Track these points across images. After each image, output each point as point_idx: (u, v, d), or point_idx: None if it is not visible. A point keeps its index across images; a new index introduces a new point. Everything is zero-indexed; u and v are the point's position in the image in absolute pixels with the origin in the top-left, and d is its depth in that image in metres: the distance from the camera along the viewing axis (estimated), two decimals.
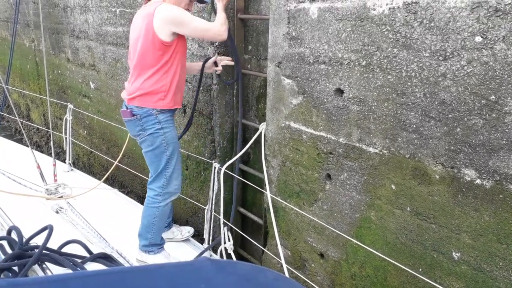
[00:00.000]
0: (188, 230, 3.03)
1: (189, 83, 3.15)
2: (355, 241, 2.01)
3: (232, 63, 2.67)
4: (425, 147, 1.67)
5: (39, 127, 6.23)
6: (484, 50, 1.43)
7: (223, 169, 2.54)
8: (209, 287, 0.78)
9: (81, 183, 3.71)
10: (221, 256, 2.66)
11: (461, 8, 1.46)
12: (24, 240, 2.20)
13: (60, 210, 3.15)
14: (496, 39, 1.39)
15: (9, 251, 2.15)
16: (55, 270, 2.16)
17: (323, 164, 2.13)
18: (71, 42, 5.09)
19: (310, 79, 2.09)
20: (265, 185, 2.46)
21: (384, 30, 1.70)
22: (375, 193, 1.90)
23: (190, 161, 3.35)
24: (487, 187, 1.50)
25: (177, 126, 2.78)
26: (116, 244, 2.70)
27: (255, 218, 2.86)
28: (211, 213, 2.67)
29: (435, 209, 1.68)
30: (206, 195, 2.97)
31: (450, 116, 1.56)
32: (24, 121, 6.43)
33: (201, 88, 2.95)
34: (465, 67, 1.49)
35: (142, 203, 3.20)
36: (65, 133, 4.07)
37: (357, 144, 1.93)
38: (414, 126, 1.68)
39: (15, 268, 2.03)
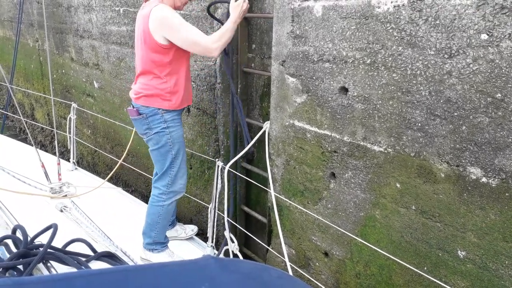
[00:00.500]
0: (192, 229, 3.03)
1: (193, 82, 3.15)
2: (360, 239, 2.01)
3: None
4: (430, 145, 1.66)
5: (44, 126, 6.25)
6: (490, 48, 1.42)
7: (227, 167, 2.54)
8: (213, 285, 0.78)
9: (86, 182, 3.73)
10: (227, 256, 2.66)
11: (466, 5, 1.45)
12: (29, 239, 2.21)
13: (64, 209, 3.16)
14: (502, 36, 1.38)
15: (14, 250, 2.16)
16: (59, 268, 2.17)
17: (327, 163, 2.13)
18: (75, 42, 5.10)
19: (314, 78, 2.08)
20: (269, 183, 2.46)
21: (389, 28, 1.69)
22: (380, 191, 1.90)
23: (194, 160, 3.35)
24: (493, 185, 1.49)
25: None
26: (120, 242, 2.70)
27: (259, 217, 2.86)
28: (214, 211, 2.67)
29: (440, 208, 1.67)
30: (210, 194, 2.97)
31: (455, 114, 1.56)
32: (28, 121, 6.46)
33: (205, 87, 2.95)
34: (471, 65, 1.48)
35: (146, 202, 3.20)
36: (69, 132, 4.09)
37: (362, 143, 1.93)
38: (419, 124, 1.68)
39: (20, 267, 2.03)
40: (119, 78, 4.21)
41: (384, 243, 1.93)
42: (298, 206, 2.33)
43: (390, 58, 1.72)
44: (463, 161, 1.57)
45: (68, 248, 2.35)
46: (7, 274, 1.98)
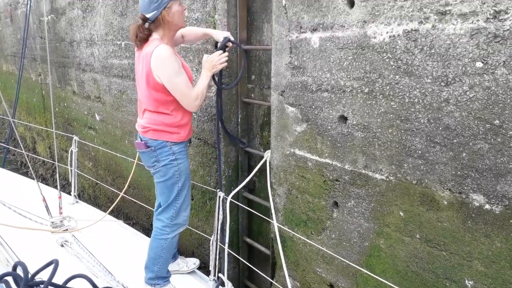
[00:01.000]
0: (194, 262, 2.98)
1: (194, 113, 3.18)
2: (365, 270, 1.97)
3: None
4: (432, 172, 1.65)
5: (45, 159, 6.27)
6: (485, 75, 1.44)
7: (228, 198, 2.52)
8: None
9: (87, 215, 3.70)
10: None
11: (460, 34, 1.48)
12: (29, 275, 2.17)
13: (65, 244, 3.13)
14: (497, 64, 1.40)
15: (14, 287, 2.12)
16: None
17: (329, 192, 2.12)
18: (77, 75, 5.19)
19: (313, 107, 2.10)
20: (272, 214, 2.44)
21: (385, 57, 1.72)
22: (384, 220, 1.88)
23: (195, 191, 3.34)
24: (497, 212, 1.48)
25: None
26: (122, 277, 2.66)
27: (262, 249, 2.82)
28: (216, 244, 2.63)
29: (445, 236, 1.65)
30: (212, 226, 2.94)
31: (455, 141, 1.56)
32: (30, 154, 6.48)
33: (205, 117, 2.98)
34: (468, 92, 1.49)
35: (147, 234, 3.17)
36: (71, 165, 4.09)
37: (363, 171, 1.92)
38: (420, 151, 1.68)
39: None
40: (121, 111, 4.25)
41: (390, 273, 1.89)
42: (302, 237, 2.30)
43: (387, 87, 1.74)
44: (465, 188, 1.56)
45: (69, 285, 2.30)
46: None
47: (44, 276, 2.19)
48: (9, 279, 2.22)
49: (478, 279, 1.58)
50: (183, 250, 3.56)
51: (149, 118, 2.42)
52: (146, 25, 2.30)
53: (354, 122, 1.91)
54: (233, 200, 2.61)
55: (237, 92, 2.84)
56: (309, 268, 2.33)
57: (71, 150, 4.06)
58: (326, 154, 2.09)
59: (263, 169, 2.56)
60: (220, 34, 2.51)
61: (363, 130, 1.87)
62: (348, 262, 2.05)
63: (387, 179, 1.83)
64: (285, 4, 2.13)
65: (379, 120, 1.80)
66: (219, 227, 2.59)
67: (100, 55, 4.48)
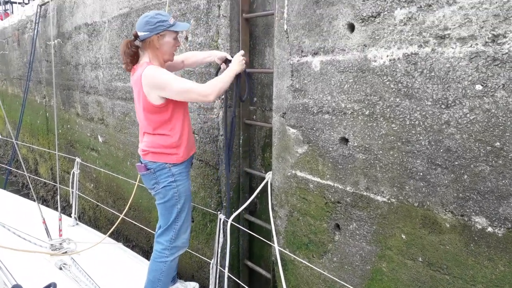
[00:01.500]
0: (193, 286, 2.94)
1: (196, 134, 3.20)
2: None
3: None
4: (433, 195, 1.65)
5: (46, 181, 6.26)
6: (485, 98, 1.45)
7: (229, 221, 2.50)
8: None
9: (86, 237, 3.67)
10: None
11: (459, 58, 1.50)
12: None
13: (63, 267, 3.09)
14: (496, 87, 1.42)
15: None
16: None
17: (331, 214, 2.10)
18: (81, 98, 5.25)
19: (314, 129, 2.11)
20: (273, 236, 2.42)
21: (386, 80, 1.74)
22: (386, 243, 1.86)
23: (196, 212, 3.32)
24: (499, 235, 1.47)
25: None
26: None
27: (263, 272, 2.78)
28: (216, 267, 2.60)
29: (448, 259, 1.63)
30: (212, 248, 2.91)
31: (456, 163, 1.56)
32: (31, 176, 6.48)
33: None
34: (468, 115, 1.50)
35: (147, 257, 3.13)
36: (72, 187, 4.09)
37: (365, 193, 1.92)
38: (421, 174, 1.67)
39: None
40: (123, 132, 4.28)
41: None
42: (303, 261, 2.27)
43: (388, 109, 1.75)
44: (468, 210, 1.55)
45: None
46: None
47: None
48: None
49: None
50: (182, 273, 3.51)
51: (148, 141, 2.44)
52: (136, 42, 2.35)
53: (355, 144, 1.91)
54: (234, 223, 2.59)
55: (239, 114, 2.86)
56: None
57: (73, 172, 4.06)
58: (328, 176, 2.08)
59: (264, 191, 2.55)
60: (219, 55, 2.58)
61: (364, 152, 1.88)
62: (349, 287, 2.01)
63: (389, 201, 1.82)
64: (286, 29, 2.18)
65: (380, 142, 1.81)
66: (219, 250, 2.56)
67: (104, 78, 4.54)
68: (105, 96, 4.57)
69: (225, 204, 2.98)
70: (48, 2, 6.03)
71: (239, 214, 2.71)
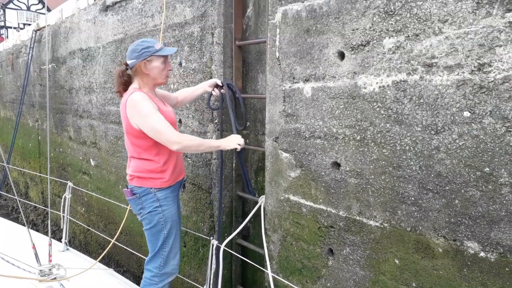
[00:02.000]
0: None
1: (189, 158, 3.20)
2: None
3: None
4: (426, 219, 1.66)
5: (37, 205, 6.18)
6: (473, 124, 1.48)
7: (222, 246, 2.48)
8: None
9: (77, 263, 3.60)
10: None
11: (447, 85, 1.54)
12: None
13: None
14: (484, 113, 1.45)
15: None
16: None
17: (324, 239, 2.10)
18: (74, 121, 5.25)
19: (307, 153, 2.13)
20: (266, 262, 2.40)
21: (376, 106, 1.77)
22: (379, 268, 1.85)
23: (188, 237, 3.29)
24: (492, 260, 1.47)
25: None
26: None
27: None
28: None
29: (442, 285, 1.63)
30: (204, 274, 2.87)
31: (447, 188, 1.58)
32: (22, 200, 6.39)
33: (200, 162, 2.99)
34: (457, 141, 1.53)
35: (138, 283, 3.08)
36: (63, 212, 4.03)
37: (358, 217, 1.92)
38: (413, 198, 1.69)
39: None
40: (116, 156, 4.27)
41: None
42: (296, 287, 2.25)
43: (379, 135, 1.78)
44: (460, 235, 1.56)
45: None
46: None
47: None
48: None
49: None
50: None
51: (134, 166, 2.43)
52: (128, 70, 2.39)
53: (347, 169, 1.93)
54: (226, 249, 2.56)
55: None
56: None
57: (65, 196, 4.02)
58: (321, 200, 2.09)
59: (257, 215, 2.54)
60: (208, 83, 2.67)
61: (356, 176, 1.89)
62: None
63: (382, 226, 1.82)
64: (278, 56, 2.22)
65: (371, 167, 1.83)
66: (211, 276, 2.53)
67: (98, 102, 4.56)
68: (98, 120, 4.58)
69: (217, 228, 2.96)
70: (43, 27, 6.11)
71: (232, 238, 2.69)
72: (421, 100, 1.62)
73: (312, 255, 2.17)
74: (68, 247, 4.05)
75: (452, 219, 1.57)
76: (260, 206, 2.52)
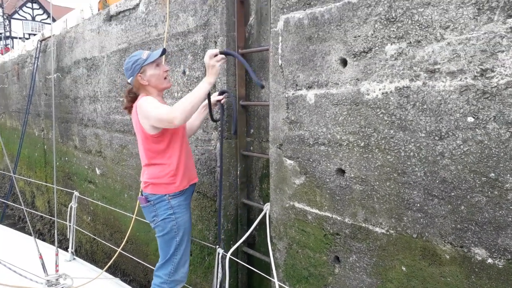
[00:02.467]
0: None
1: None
2: None
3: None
4: (432, 226, 1.65)
5: (43, 215, 6.21)
6: (477, 130, 1.48)
7: (228, 255, 2.48)
8: None
9: (83, 272, 3.61)
10: None
11: (450, 91, 1.53)
12: None
13: None
14: (488, 119, 1.45)
15: None
16: None
17: (330, 246, 2.09)
18: (79, 130, 5.28)
19: (311, 160, 2.13)
20: (272, 270, 2.39)
21: (379, 113, 1.77)
22: (386, 275, 1.84)
23: (194, 246, 3.29)
24: (500, 266, 1.46)
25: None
26: None
27: None
28: None
29: None
30: (210, 282, 2.87)
31: (452, 194, 1.57)
32: (28, 209, 6.43)
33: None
34: (462, 146, 1.52)
35: None
36: (69, 221, 4.05)
37: (363, 224, 1.91)
38: (418, 205, 1.68)
39: None
40: (121, 165, 4.28)
41: None
42: None
43: (383, 141, 1.77)
44: (467, 241, 1.55)
45: None
46: None
47: None
48: None
49: None
50: None
51: (148, 173, 2.48)
52: (133, 89, 2.49)
53: (352, 175, 1.93)
54: (232, 257, 2.56)
55: (236, 145, 2.88)
56: None
57: (71, 206, 4.04)
58: (326, 207, 2.08)
59: (262, 222, 2.54)
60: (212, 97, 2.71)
61: (361, 183, 1.89)
62: None
63: (388, 233, 1.81)
64: (281, 64, 2.23)
65: (376, 173, 1.82)
66: (218, 285, 2.52)
67: (102, 111, 4.59)
68: (103, 128, 4.60)
69: (223, 237, 2.96)
70: (49, 37, 6.17)
71: (237, 247, 2.69)
72: (425, 106, 1.62)
73: (318, 263, 2.16)
74: (75, 257, 4.07)
75: (459, 225, 1.56)
76: (265, 213, 2.51)
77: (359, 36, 1.81)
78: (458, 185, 1.55)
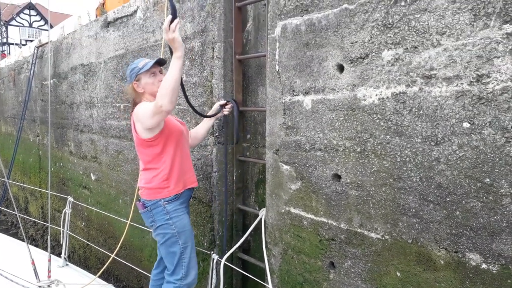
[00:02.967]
0: None
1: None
2: None
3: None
4: (427, 231, 1.65)
5: (36, 220, 6.15)
6: (473, 135, 1.49)
7: (222, 261, 2.47)
8: None
9: (76, 278, 3.57)
10: None
11: (446, 97, 1.55)
12: None
13: None
14: (483, 124, 1.46)
15: None
16: None
17: (325, 252, 2.08)
18: (74, 136, 5.26)
19: (307, 165, 2.13)
20: (267, 276, 2.38)
21: (376, 118, 1.78)
22: (381, 281, 1.83)
23: None
24: (494, 272, 1.46)
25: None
26: None
27: None
28: None
29: None
30: None
31: (448, 199, 1.57)
32: (21, 215, 6.37)
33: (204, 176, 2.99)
34: (457, 152, 1.53)
35: None
36: (63, 227, 4.02)
37: (359, 230, 1.91)
38: (414, 210, 1.68)
39: None
40: (116, 170, 4.26)
41: None
42: None
43: (379, 146, 1.78)
44: (461, 247, 1.55)
45: None
46: None
47: None
48: None
49: None
50: None
51: (144, 178, 2.49)
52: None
53: (348, 181, 1.93)
54: (227, 263, 2.54)
55: (233, 150, 2.88)
56: None
57: (65, 211, 4.01)
58: (322, 213, 2.08)
59: (258, 228, 2.53)
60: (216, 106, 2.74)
61: (357, 188, 1.89)
62: None
63: (383, 238, 1.81)
64: (278, 70, 2.24)
65: (372, 178, 1.82)
66: None
67: (99, 117, 4.58)
68: (99, 134, 4.59)
69: (218, 242, 2.94)
70: (45, 43, 6.17)
71: (232, 252, 2.68)
72: (421, 112, 1.63)
73: (314, 268, 2.15)
74: (68, 263, 4.02)
75: (454, 231, 1.57)
76: (260, 219, 2.51)
77: (356, 42, 1.83)
78: (454, 191, 1.56)
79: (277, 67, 2.25)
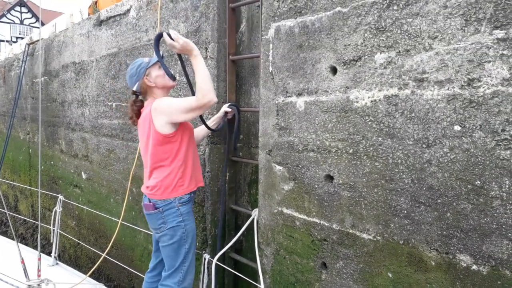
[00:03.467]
0: None
1: None
2: None
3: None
4: (418, 232, 1.67)
5: (26, 219, 6.09)
6: (464, 138, 1.51)
7: (214, 260, 2.47)
8: None
9: (66, 278, 3.55)
10: None
11: (438, 100, 1.57)
12: None
13: None
14: (474, 127, 1.48)
15: None
16: None
17: (317, 252, 2.10)
18: (66, 134, 5.22)
19: (300, 166, 2.14)
20: (259, 276, 2.38)
21: (368, 120, 1.79)
22: (372, 282, 1.85)
23: None
24: (484, 273, 1.48)
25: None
26: None
27: None
28: None
29: None
30: None
31: (439, 201, 1.59)
32: (11, 213, 6.30)
33: None
34: (448, 154, 1.55)
35: None
36: (53, 225, 3.99)
37: (351, 231, 1.93)
38: (405, 211, 1.70)
39: None
40: (108, 169, 4.24)
41: None
42: None
43: (371, 148, 1.80)
44: (452, 248, 1.57)
45: None
46: None
47: None
48: None
49: None
50: None
51: (157, 177, 2.40)
52: (139, 97, 2.50)
53: (340, 182, 1.94)
54: (218, 263, 2.54)
55: (225, 150, 2.88)
56: None
57: (55, 210, 3.98)
58: (314, 213, 2.09)
59: (250, 228, 2.53)
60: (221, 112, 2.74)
61: (349, 189, 1.90)
62: None
63: (375, 239, 1.83)
64: (271, 71, 2.25)
65: (364, 180, 1.84)
66: None
67: (90, 115, 4.55)
68: (91, 133, 4.56)
69: (210, 242, 2.94)
70: (37, 41, 6.11)
71: (224, 252, 2.68)
72: (413, 114, 1.65)
73: (306, 269, 2.16)
74: (58, 262, 4.00)
75: (444, 232, 1.59)
76: (253, 219, 2.51)
77: (349, 44, 1.84)
78: (445, 192, 1.57)
79: (270, 68, 2.26)
